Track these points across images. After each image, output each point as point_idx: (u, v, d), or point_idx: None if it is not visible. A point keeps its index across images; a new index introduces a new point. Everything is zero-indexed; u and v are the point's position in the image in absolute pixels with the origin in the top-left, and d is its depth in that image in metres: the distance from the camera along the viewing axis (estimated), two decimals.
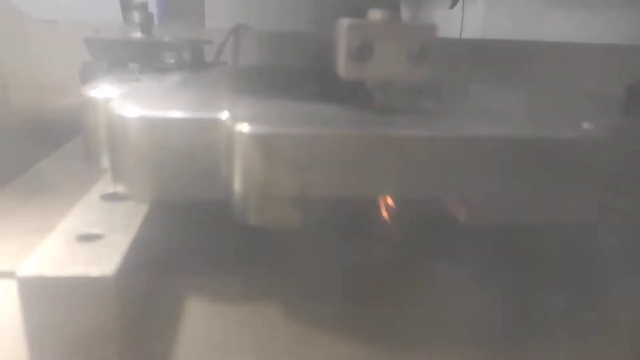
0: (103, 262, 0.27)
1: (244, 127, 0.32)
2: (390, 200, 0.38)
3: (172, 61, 0.59)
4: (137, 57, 0.59)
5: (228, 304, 0.35)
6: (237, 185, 0.33)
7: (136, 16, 0.60)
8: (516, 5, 1.92)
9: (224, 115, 0.34)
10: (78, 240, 0.29)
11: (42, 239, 0.42)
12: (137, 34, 0.61)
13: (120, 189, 0.37)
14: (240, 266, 0.38)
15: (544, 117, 0.40)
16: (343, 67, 0.35)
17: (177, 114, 0.35)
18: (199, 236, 0.38)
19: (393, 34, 0.35)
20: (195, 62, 0.60)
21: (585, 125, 0.36)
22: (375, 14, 0.36)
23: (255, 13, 0.99)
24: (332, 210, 0.33)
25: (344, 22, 0.35)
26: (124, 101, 0.37)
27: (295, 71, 0.57)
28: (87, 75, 0.60)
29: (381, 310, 0.35)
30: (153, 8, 0.74)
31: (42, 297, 0.26)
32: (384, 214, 0.39)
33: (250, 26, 0.90)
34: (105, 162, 0.42)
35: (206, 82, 0.51)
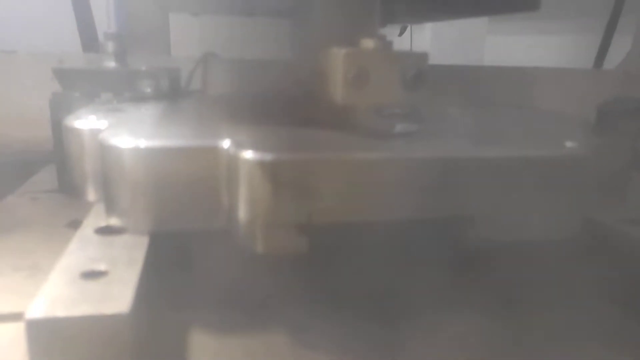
0: (115, 299, 0.26)
1: (249, 154, 0.32)
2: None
3: (149, 90, 0.58)
4: (111, 87, 0.58)
5: (234, 336, 0.34)
6: (242, 213, 0.33)
7: (110, 46, 0.59)
8: (461, 31, 2.02)
9: (225, 143, 0.34)
10: (83, 278, 0.28)
11: (24, 278, 0.41)
12: (111, 63, 0.60)
13: (114, 221, 0.35)
14: (245, 296, 0.37)
15: (528, 138, 0.42)
16: (340, 93, 0.36)
17: (175, 142, 0.34)
18: (202, 267, 0.37)
19: (387, 61, 0.36)
20: (172, 91, 0.59)
21: (568, 144, 0.38)
22: (368, 43, 0.37)
23: (222, 41, 1.00)
24: (338, 236, 0.33)
25: (340, 51, 0.36)
26: (116, 132, 0.36)
27: (279, 98, 0.58)
28: (57, 106, 0.58)
29: (390, 333, 0.35)
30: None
31: (54, 339, 0.24)
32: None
33: (217, 54, 0.90)
34: (92, 195, 0.41)
35: (192, 111, 0.50)
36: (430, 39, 2.04)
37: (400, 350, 0.34)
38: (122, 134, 0.35)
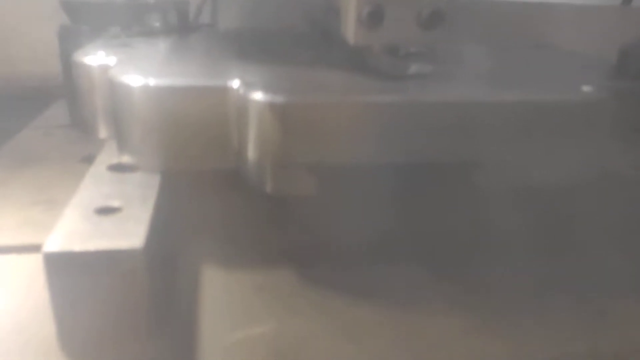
0: (130, 234, 0.27)
1: (259, 96, 0.31)
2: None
3: (157, 24, 0.57)
4: (120, 20, 0.57)
5: (245, 270, 0.35)
6: (252, 154, 0.33)
7: None
8: None
9: (235, 83, 0.33)
10: (97, 214, 0.29)
11: (41, 212, 0.42)
12: None
13: (126, 159, 0.36)
14: (256, 232, 0.38)
15: (544, 81, 0.41)
16: (352, 33, 0.35)
17: (185, 81, 0.34)
18: (213, 203, 0.38)
19: None
20: (180, 25, 0.58)
21: (585, 88, 0.37)
22: None
23: None
24: (349, 178, 0.33)
25: None
26: (126, 69, 0.35)
27: (290, 35, 0.56)
28: (65, 40, 0.57)
29: (397, 273, 0.36)
30: None
31: (70, 272, 0.25)
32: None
33: None
34: (103, 132, 0.41)
35: (201, 47, 0.49)
36: None
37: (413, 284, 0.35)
38: (132, 71, 0.34)
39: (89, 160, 0.47)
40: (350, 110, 0.32)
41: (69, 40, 0.56)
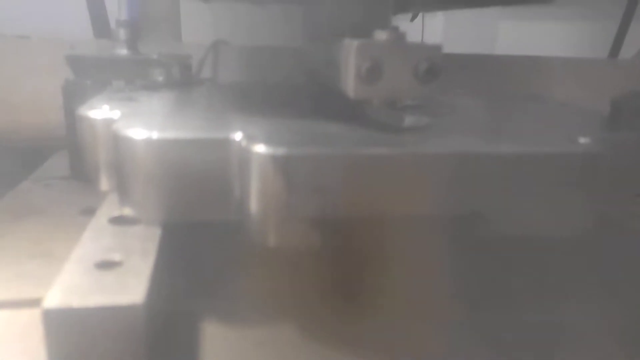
0: (130, 289, 0.26)
1: (261, 148, 0.32)
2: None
3: (161, 78, 0.58)
4: (123, 74, 0.58)
5: (246, 325, 0.34)
6: (254, 206, 0.33)
7: (122, 33, 0.59)
8: (474, 17, 1.99)
9: (238, 135, 0.34)
10: (97, 268, 0.28)
11: (38, 266, 0.42)
12: (123, 51, 0.60)
13: (128, 211, 0.36)
14: (256, 286, 0.38)
15: (540, 133, 0.41)
16: (352, 88, 0.36)
17: (188, 134, 0.34)
18: (214, 257, 0.38)
19: (400, 54, 0.36)
20: (183, 79, 0.60)
21: (582, 140, 0.37)
22: (381, 35, 0.37)
23: (233, 28, 0.99)
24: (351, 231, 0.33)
25: (353, 43, 0.35)
26: (130, 122, 0.36)
27: (290, 88, 0.58)
28: (69, 93, 0.59)
29: (401, 326, 0.35)
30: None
31: (69, 328, 0.25)
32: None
33: (228, 41, 0.90)
34: (105, 184, 0.41)
35: (203, 100, 0.50)
36: (443, 24, 2.01)
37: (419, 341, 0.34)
38: (135, 125, 0.35)
39: (88, 212, 0.47)
40: (351, 162, 0.32)
41: (73, 94, 0.58)
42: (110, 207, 0.37)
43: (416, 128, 0.39)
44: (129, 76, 0.58)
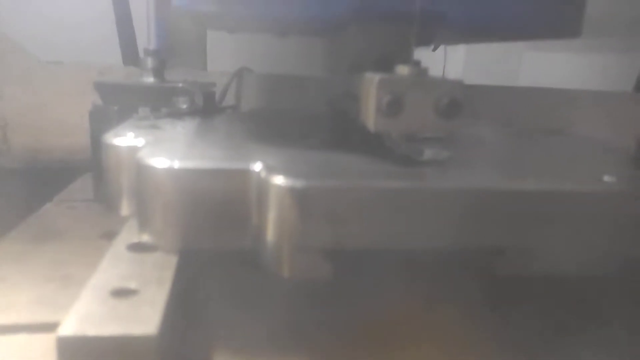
0: (144, 319, 0.26)
1: (280, 180, 0.32)
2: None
3: (185, 106, 0.59)
4: (149, 102, 0.60)
5: (259, 356, 0.34)
6: (270, 236, 0.33)
7: (149, 62, 0.61)
8: (497, 48, 1.99)
9: (257, 166, 0.34)
10: (113, 296, 0.29)
11: (55, 290, 0.42)
12: (149, 79, 0.61)
13: (146, 238, 0.36)
14: (269, 315, 0.37)
15: (563, 169, 0.41)
16: (373, 121, 0.36)
17: (208, 164, 0.35)
18: (229, 286, 0.38)
19: (422, 88, 0.36)
20: (206, 107, 0.61)
21: (607, 178, 0.37)
22: (403, 69, 0.37)
23: (256, 58, 1.01)
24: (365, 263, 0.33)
25: (374, 77, 0.36)
26: (153, 151, 0.37)
27: (311, 117, 0.58)
28: (96, 118, 0.60)
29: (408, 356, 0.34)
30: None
31: (83, 356, 0.25)
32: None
33: (252, 69, 0.91)
34: (125, 210, 0.42)
35: (225, 129, 0.51)
36: (465, 55, 2.02)
37: None
38: (158, 154, 0.36)
39: (109, 236, 0.48)
40: (369, 195, 0.32)
41: (100, 119, 0.59)
42: (129, 233, 0.37)
43: (435, 161, 0.39)
44: (155, 103, 0.59)
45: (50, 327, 0.27)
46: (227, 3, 0.46)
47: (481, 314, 0.39)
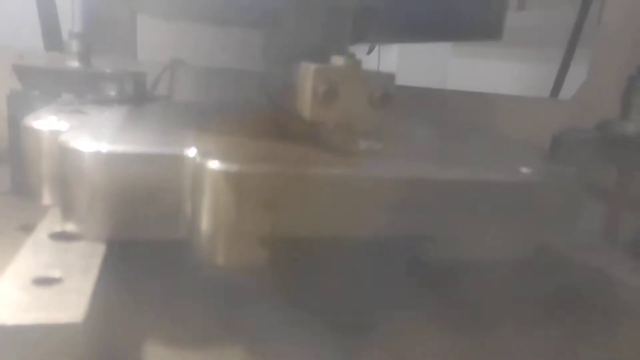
0: (69, 307, 0.25)
1: (215, 164, 0.32)
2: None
3: (113, 93, 0.57)
4: (74, 88, 0.56)
5: (191, 348, 0.33)
6: (205, 224, 0.32)
7: (74, 45, 0.58)
8: (427, 53, 2.07)
9: (192, 151, 0.33)
10: (35, 284, 0.27)
11: None
12: (74, 64, 0.58)
13: (70, 227, 0.34)
14: (200, 308, 0.36)
15: (485, 162, 0.43)
16: (308, 109, 0.36)
17: (139, 148, 0.34)
18: (159, 277, 0.36)
19: (356, 80, 0.37)
20: (136, 95, 0.58)
21: (524, 170, 0.39)
22: (338, 60, 0.38)
23: (189, 48, 0.99)
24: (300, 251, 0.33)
25: (311, 67, 0.36)
26: (78, 134, 0.35)
27: (245, 107, 0.58)
28: (15, 104, 0.56)
29: (348, 345, 0.35)
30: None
31: (3, 347, 0.23)
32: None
33: (185, 61, 0.89)
34: (47, 198, 0.40)
35: (157, 117, 0.50)
36: (397, 59, 2.09)
37: None
38: (84, 137, 0.34)
39: (26, 229, 0.45)
40: (305, 181, 0.33)
41: (19, 105, 0.55)
42: (51, 222, 0.35)
43: (369, 152, 0.40)
44: (80, 90, 0.56)
45: None
46: None
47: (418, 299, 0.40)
